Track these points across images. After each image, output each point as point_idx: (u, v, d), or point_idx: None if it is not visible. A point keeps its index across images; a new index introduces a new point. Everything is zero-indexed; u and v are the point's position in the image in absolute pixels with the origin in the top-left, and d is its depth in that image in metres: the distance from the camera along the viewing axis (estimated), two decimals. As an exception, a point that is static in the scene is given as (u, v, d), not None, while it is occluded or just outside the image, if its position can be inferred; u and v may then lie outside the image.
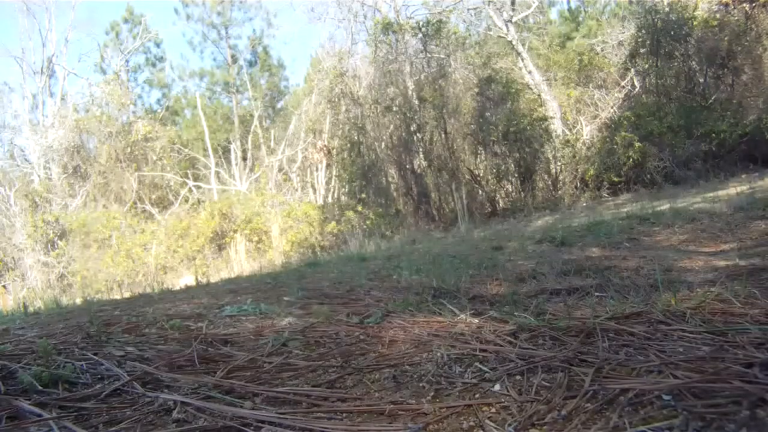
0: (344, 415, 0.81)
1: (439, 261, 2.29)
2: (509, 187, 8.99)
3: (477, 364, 0.96)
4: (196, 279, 6.20)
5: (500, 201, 8.90)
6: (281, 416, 0.79)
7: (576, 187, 8.36)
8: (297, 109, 14.63)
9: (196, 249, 9.76)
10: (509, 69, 10.53)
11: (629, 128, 8.19)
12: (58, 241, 11.37)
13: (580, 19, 16.89)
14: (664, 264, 1.91)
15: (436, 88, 9.07)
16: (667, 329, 1.04)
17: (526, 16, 12.43)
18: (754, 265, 1.69)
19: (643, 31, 9.20)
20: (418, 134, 9.19)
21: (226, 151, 16.64)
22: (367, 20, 12.91)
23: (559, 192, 8.34)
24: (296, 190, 13.31)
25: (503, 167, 8.71)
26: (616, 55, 10.40)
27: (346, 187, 9.79)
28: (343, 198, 10.20)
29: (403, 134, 9.24)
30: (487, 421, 0.74)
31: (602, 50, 10.82)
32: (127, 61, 18.89)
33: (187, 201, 14.28)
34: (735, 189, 4.91)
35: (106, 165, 13.97)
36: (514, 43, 10.44)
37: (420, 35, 9.66)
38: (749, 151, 7.69)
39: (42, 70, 16.22)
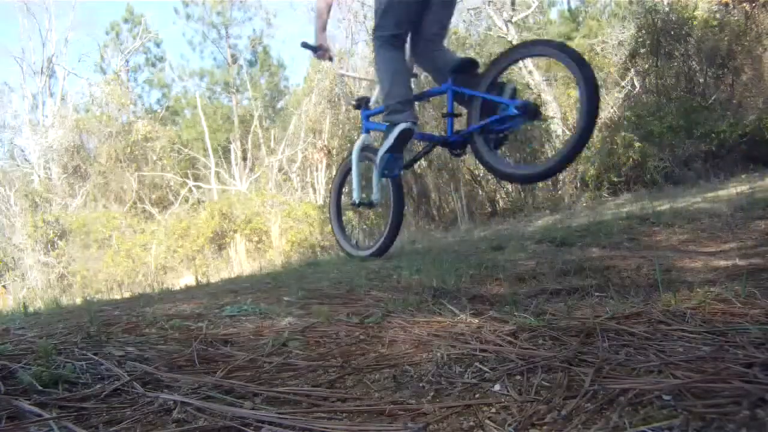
0: (344, 415, 0.81)
1: (439, 261, 2.29)
2: (509, 187, 8.98)
3: (477, 364, 0.96)
4: (196, 279, 6.20)
5: (500, 201, 8.90)
6: (281, 416, 0.79)
7: (576, 187, 8.36)
8: (297, 109, 14.63)
9: (196, 249, 9.75)
10: (509, 69, 10.53)
11: (629, 128, 8.19)
12: (58, 241, 11.38)
13: (580, 19, 16.89)
14: (664, 264, 1.91)
15: (436, 88, 9.05)
16: (667, 329, 1.04)
17: (526, 16, 12.43)
18: (754, 265, 1.69)
19: (643, 31, 9.20)
20: (418, 134, 9.19)
21: (226, 151, 16.65)
22: (367, 20, 12.91)
23: (559, 192, 8.34)
24: (296, 190, 13.31)
25: (503, 167, 8.70)
26: (616, 55, 10.40)
27: (346, 186, 9.79)
28: (343, 198, 10.20)
29: (403, 134, 9.23)
30: (487, 421, 0.74)
31: (602, 50, 10.82)
32: (127, 61, 18.91)
33: (187, 201, 14.28)
34: (735, 189, 4.91)
35: (106, 165, 13.98)
36: (514, 43, 10.44)
37: (420, 35, 9.63)
38: (749, 151, 7.69)
39: (42, 70, 16.24)
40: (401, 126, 2.50)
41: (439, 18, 2.66)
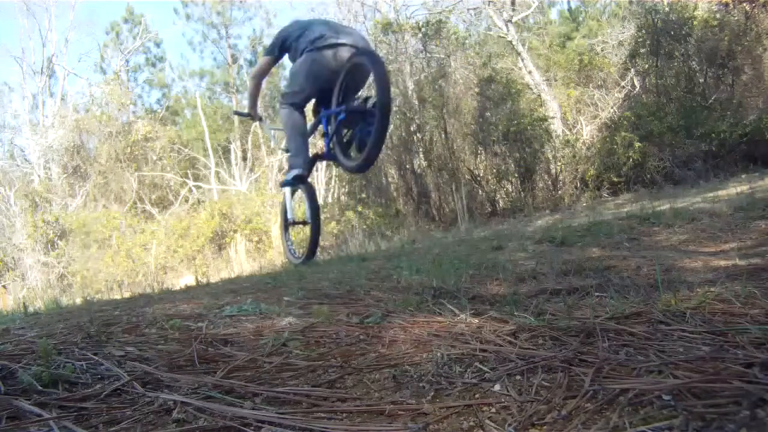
0: (344, 415, 0.81)
1: (439, 261, 2.29)
2: (509, 187, 8.98)
3: (477, 364, 0.96)
4: (196, 279, 6.20)
5: (500, 201, 8.90)
6: (281, 416, 0.79)
7: (576, 187, 8.36)
8: (297, 109, 14.60)
9: (196, 249, 9.76)
10: (509, 69, 10.52)
11: (629, 128, 8.18)
12: (58, 241, 11.38)
13: (580, 19, 16.90)
14: (664, 264, 1.91)
15: (436, 88, 9.06)
16: (667, 329, 1.04)
17: (526, 16, 12.43)
18: (754, 265, 1.69)
19: (643, 31, 9.20)
20: (418, 134, 9.19)
21: (226, 151, 16.65)
22: (367, 20, 12.92)
23: (559, 192, 8.34)
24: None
25: (503, 167, 8.71)
26: (616, 55, 10.40)
27: (346, 187, 9.78)
28: (343, 198, 10.19)
29: (403, 134, 9.23)
30: (487, 421, 0.74)
31: (602, 50, 10.82)
32: (127, 61, 18.91)
33: (187, 201, 14.28)
34: (735, 189, 4.91)
35: (106, 165, 13.96)
36: (514, 43, 10.43)
37: (420, 35, 9.65)
38: (749, 151, 7.69)
39: (42, 70, 16.24)
40: (295, 172, 3.33)
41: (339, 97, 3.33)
